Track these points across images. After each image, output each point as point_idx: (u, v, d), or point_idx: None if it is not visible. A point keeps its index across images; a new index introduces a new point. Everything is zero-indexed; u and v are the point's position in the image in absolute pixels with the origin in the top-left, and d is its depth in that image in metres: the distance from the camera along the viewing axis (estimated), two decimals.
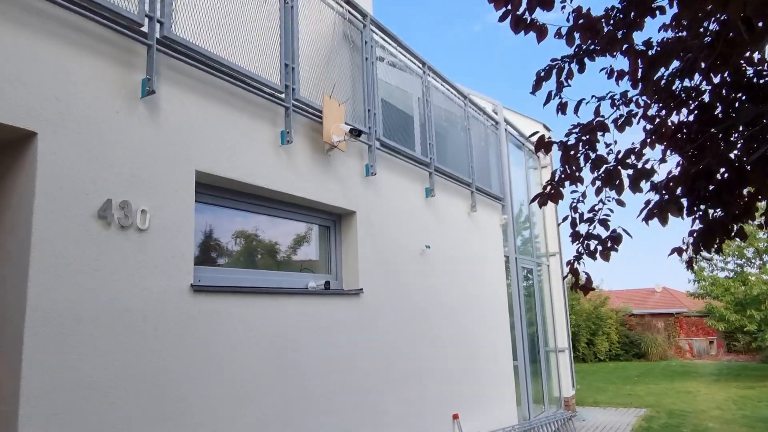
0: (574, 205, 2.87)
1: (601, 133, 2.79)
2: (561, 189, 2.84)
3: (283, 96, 4.50)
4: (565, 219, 2.93)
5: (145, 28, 3.44)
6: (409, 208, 6.18)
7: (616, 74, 2.84)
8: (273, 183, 4.31)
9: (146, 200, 3.34)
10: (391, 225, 5.79)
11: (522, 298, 9.02)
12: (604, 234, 2.82)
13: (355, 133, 4.76)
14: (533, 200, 2.99)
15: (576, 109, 2.86)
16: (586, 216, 2.84)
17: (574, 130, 2.82)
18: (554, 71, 2.77)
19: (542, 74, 2.78)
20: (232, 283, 4.03)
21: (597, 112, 2.82)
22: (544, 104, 2.79)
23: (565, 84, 2.77)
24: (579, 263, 2.90)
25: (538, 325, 10.21)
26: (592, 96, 2.82)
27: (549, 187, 2.90)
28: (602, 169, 2.80)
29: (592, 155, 2.80)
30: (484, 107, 8.75)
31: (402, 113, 6.53)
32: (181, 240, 3.52)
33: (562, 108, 2.83)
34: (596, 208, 2.84)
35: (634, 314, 26.07)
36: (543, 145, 2.86)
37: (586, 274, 2.89)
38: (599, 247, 2.86)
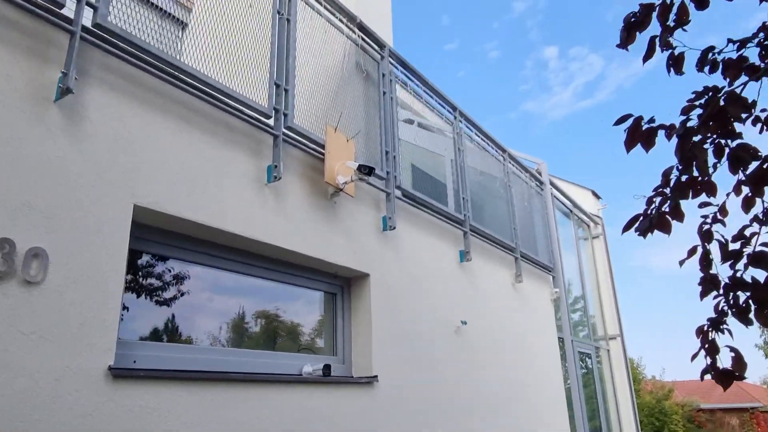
0: (706, 229, 1.65)
1: (746, 112, 1.60)
2: (679, 203, 1.63)
3: (271, 122, 3.49)
4: (691, 254, 1.69)
5: (70, 12, 2.52)
6: (439, 273, 4.95)
7: None
8: (254, 230, 3.22)
9: (45, 240, 2.26)
10: (415, 294, 4.55)
11: (581, 389, 7.40)
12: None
13: (365, 170, 3.68)
14: (628, 227, 1.78)
15: (702, 64, 1.69)
16: (730, 247, 1.61)
17: (697, 103, 1.64)
18: (656, 11, 1.65)
19: (634, 18, 1.66)
20: (183, 366, 2.83)
21: (735, 68, 1.64)
22: (645, 58, 1.67)
23: (671, 31, 1.63)
24: (718, 331, 1.62)
25: (601, 420, 8.45)
26: (728, 41, 1.66)
27: (658, 203, 1.68)
28: (752, 168, 1.59)
29: (732, 143, 1.61)
30: (526, 166, 7.62)
31: (431, 157, 5.47)
32: (99, 300, 2.41)
33: (674, 63, 1.69)
34: (746, 233, 1.60)
35: (702, 409, 23.08)
36: (641, 136, 1.69)
37: (734, 351, 1.61)
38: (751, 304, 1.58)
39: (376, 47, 4.77)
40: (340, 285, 4.16)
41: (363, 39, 4.62)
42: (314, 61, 4.03)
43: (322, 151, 3.85)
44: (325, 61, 4.15)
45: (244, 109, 3.34)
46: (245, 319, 3.49)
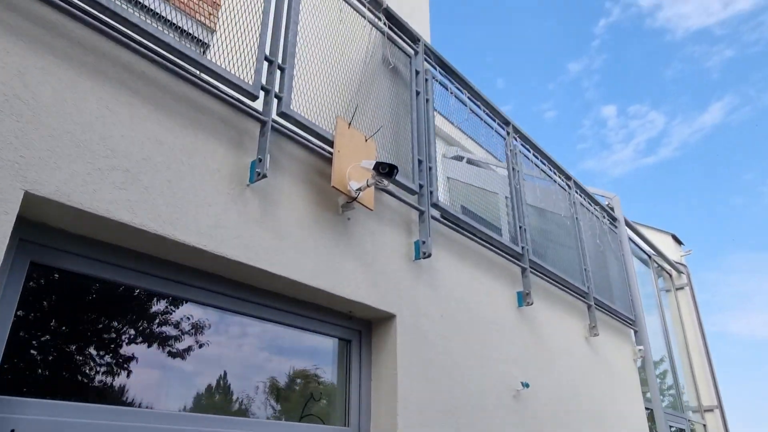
0: None
1: None
2: None
3: (260, 106, 2.63)
4: None
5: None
6: (491, 319, 3.83)
7: None
8: (226, 245, 2.33)
9: None
10: (459, 344, 3.46)
11: None
12: None
13: (384, 170, 2.71)
14: None
15: None
16: None
17: None
18: None
19: None
20: None
21: None
22: None
23: None
24: None
25: None
26: None
27: None
28: None
29: None
30: (596, 198, 6.45)
31: (482, 196, 4.46)
32: None
33: None
34: None
35: None
36: None
37: None
38: None
39: (408, 40, 3.92)
40: (357, 329, 3.13)
41: (391, 29, 3.77)
42: (328, 45, 3.19)
43: (329, 150, 2.94)
44: (343, 48, 3.30)
45: (219, 84, 2.50)
46: (215, 370, 2.51)
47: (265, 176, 2.50)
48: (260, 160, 2.51)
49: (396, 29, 3.83)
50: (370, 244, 3.11)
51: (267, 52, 2.74)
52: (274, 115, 2.67)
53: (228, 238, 2.37)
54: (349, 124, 3.07)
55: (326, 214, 2.90)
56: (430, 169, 3.64)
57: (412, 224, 3.50)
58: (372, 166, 2.76)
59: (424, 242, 3.37)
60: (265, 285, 2.64)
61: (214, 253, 2.30)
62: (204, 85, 2.45)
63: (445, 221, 3.70)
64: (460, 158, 6.90)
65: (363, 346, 3.13)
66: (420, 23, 5.41)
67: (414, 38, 3.97)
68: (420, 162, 3.60)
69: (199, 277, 2.42)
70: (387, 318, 3.14)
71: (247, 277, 2.55)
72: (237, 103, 2.58)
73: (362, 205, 2.97)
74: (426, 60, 4.08)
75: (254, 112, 2.62)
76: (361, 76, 3.48)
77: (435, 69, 4.13)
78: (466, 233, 3.90)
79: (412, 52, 3.94)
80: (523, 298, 4.24)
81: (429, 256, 3.33)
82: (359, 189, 2.88)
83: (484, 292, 3.91)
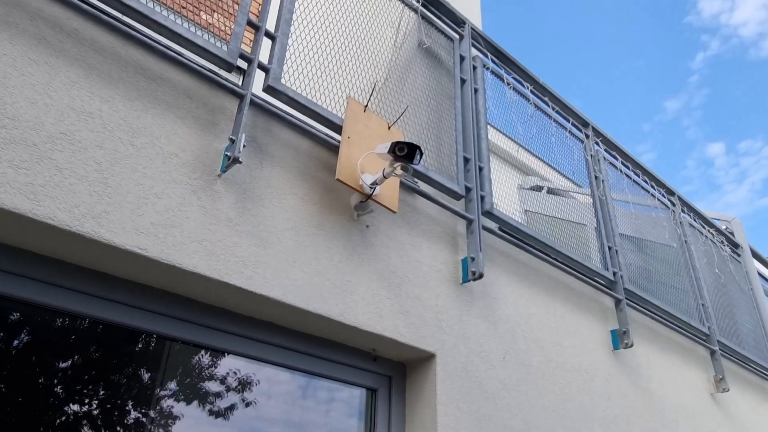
0: None
1: None
2: None
3: (239, 80, 2.09)
4: None
5: None
6: (575, 365, 2.95)
7: None
8: (187, 255, 1.79)
9: None
10: (529, 397, 2.62)
11: None
12: None
13: (402, 151, 2.04)
14: None
15: None
16: None
17: None
18: None
19: None
20: None
21: None
22: None
23: None
24: None
25: None
26: None
27: None
28: None
29: None
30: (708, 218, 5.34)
31: (571, 229, 3.65)
32: None
33: None
34: None
35: None
36: None
37: None
38: None
39: (450, 23, 3.30)
40: (385, 374, 2.38)
41: (427, 7, 3.18)
42: (347, 22, 2.64)
43: (334, 139, 2.32)
44: (368, 27, 2.74)
45: (185, 52, 1.98)
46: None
47: (237, 161, 1.90)
48: (232, 142, 1.92)
49: (432, 8, 3.23)
50: (399, 261, 2.40)
51: (253, 18, 2.20)
52: (255, 90, 2.09)
53: (183, 241, 1.77)
54: (366, 106, 2.43)
55: (334, 219, 2.24)
56: (481, 169, 2.91)
57: (458, 238, 2.76)
58: (387, 149, 2.09)
59: (473, 259, 2.61)
60: (243, 307, 2.00)
61: (160, 261, 1.70)
62: (163, 49, 1.94)
63: (502, 233, 2.92)
64: (539, 188, 6.08)
65: (393, 396, 2.36)
66: (468, 7, 4.78)
67: (458, 21, 3.35)
68: (467, 160, 2.88)
69: (138, 294, 1.82)
70: (424, 359, 2.38)
71: (213, 295, 1.91)
72: (208, 72, 2.03)
73: (382, 205, 2.29)
74: (475, 46, 3.42)
75: (229, 84, 2.06)
76: (391, 61, 2.88)
77: (486, 57, 3.46)
78: (535, 251, 3.08)
79: (456, 36, 3.30)
80: (619, 339, 3.29)
81: (480, 277, 2.55)
82: (374, 183, 2.21)
83: (563, 329, 3.03)
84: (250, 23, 2.21)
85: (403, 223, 2.54)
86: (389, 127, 2.53)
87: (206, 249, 1.83)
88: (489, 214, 2.84)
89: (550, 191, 5.99)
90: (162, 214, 1.78)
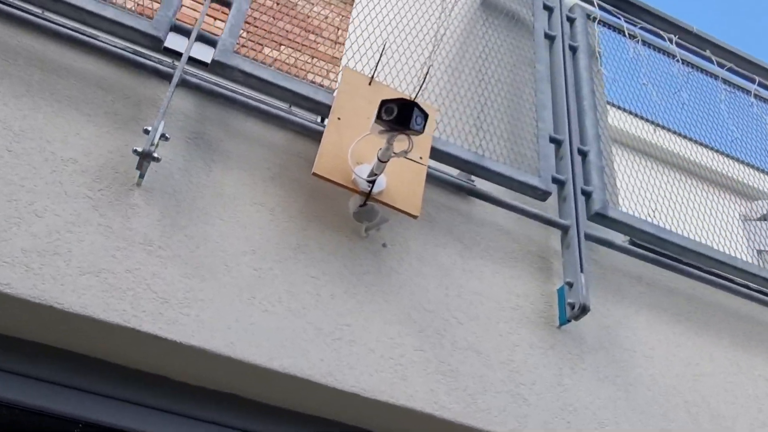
0: None
1: None
2: None
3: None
4: None
5: None
6: None
7: None
8: (65, 287, 1.55)
9: None
10: None
11: None
12: None
13: (390, 115, 1.62)
14: None
15: None
16: None
17: None
18: None
19: None
20: None
21: None
22: None
23: None
24: None
25: None
26: None
27: None
28: None
29: None
30: None
31: None
32: None
33: None
34: None
35: None
36: None
37: None
38: None
39: None
40: None
41: None
42: None
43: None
44: None
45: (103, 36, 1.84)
46: None
47: (151, 158, 1.63)
48: (147, 132, 1.65)
49: None
50: (440, 295, 1.91)
51: None
52: (186, 66, 1.84)
53: (70, 273, 1.51)
54: (372, 78, 2.06)
55: (324, 237, 1.86)
56: (584, 154, 2.32)
57: (551, 258, 2.17)
58: (383, 112, 1.68)
59: (570, 285, 1.99)
60: (166, 367, 1.64)
61: (29, 299, 1.44)
62: (69, 32, 1.80)
63: (638, 250, 2.25)
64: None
65: None
66: None
67: None
68: (557, 143, 2.32)
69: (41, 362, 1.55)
70: None
71: (116, 349, 1.59)
72: (131, 55, 1.84)
73: (392, 208, 1.83)
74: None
75: (150, 63, 1.83)
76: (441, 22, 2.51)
77: (591, 4, 2.90)
78: (704, 275, 2.33)
79: None
80: None
81: (583, 312, 1.94)
82: (374, 175, 1.78)
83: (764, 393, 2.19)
84: None
85: (450, 239, 2.05)
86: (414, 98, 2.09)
87: (105, 283, 1.54)
88: (602, 218, 2.20)
89: None
90: (40, 238, 1.53)
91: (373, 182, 1.80)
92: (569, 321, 1.97)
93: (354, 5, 2.65)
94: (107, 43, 1.83)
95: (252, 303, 1.67)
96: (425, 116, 1.64)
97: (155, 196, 1.72)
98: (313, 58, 2.59)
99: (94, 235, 1.60)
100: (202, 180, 1.80)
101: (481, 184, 2.19)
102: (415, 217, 1.85)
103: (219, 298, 1.63)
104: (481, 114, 2.29)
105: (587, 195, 2.23)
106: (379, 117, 1.64)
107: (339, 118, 1.92)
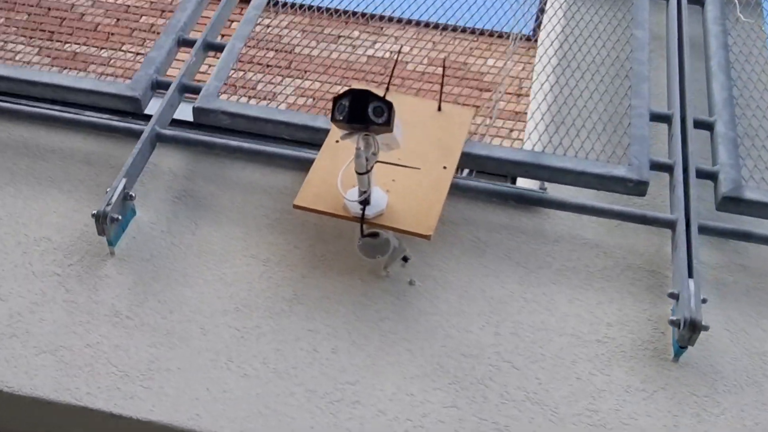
0: None
1: None
2: None
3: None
4: None
5: None
6: None
7: None
8: (14, 374, 1.72)
9: None
10: None
11: None
12: None
13: (341, 113, 1.63)
14: None
15: None
16: None
17: None
18: None
19: None
20: None
21: None
22: None
23: None
24: None
25: None
26: None
27: None
28: None
29: None
30: None
31: None
32: None
33: None
34: None
35: None
36: None
37: None
38: None
39: None
40: None
41: None
42: None
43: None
44: None
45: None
46: None
47: (111, 219, 1.77)
48: (108, 206, 1.80)
49: None
50: (491, 335, 1.75)
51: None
52: (161, 129, 2.00)
53: (26, 354, 1.67)
54: (387, 88, 2.05)
55: (329, 284, 1.85)
56: (710, 126, 2.04)
57: (666, 269, 1.88)
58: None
59: (676, 298, 1.70)
60: None
61: None
62: (53, 113, 2.09)
63: None
64: None
65: None
66: None
67: None
68: (664, 119, 2.08)
69: None
70: None
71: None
72: (108, 121, 2.07)
73: (396, 230, 1.76)
74: None
75: (123, 124, 2.03)
76: None
77: None
78: None
79: None
80: None
81: (695, 331, 1.62)
82: (365, 194, 1.74)
83: None
84: (182, 41, 2.20)
85: (507, 266, 1.88)
86: (439, 107, 2.04)
87: (61, 361, 1.65)
88: (735, 204, 1.87)
89: None
90: (1, 322, 1.71)
91: (364, 203, 1.73)
92: (684, 349, 1.64)
93: None
94: (90, 116, 2.06)
95: (228, 368, 1.65)
96: (388, 105, 1.57)
97: (130, 264, 1.83)
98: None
99: (58, 312, 1.73)
100: (186, 240, 1.88)
101: (556, 191, 2.00)
102: (426, 237, 1.73)
103: (188, 366, 1.65)
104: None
105: (711, 176, 1.91)
106: (333, 118, 1.61)
107: (337, 141, 1.91)
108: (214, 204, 1.97)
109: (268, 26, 2.37)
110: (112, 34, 2.63)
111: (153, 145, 1.99)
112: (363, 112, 1.55)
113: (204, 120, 2.02)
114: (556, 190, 2.01)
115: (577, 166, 1.91)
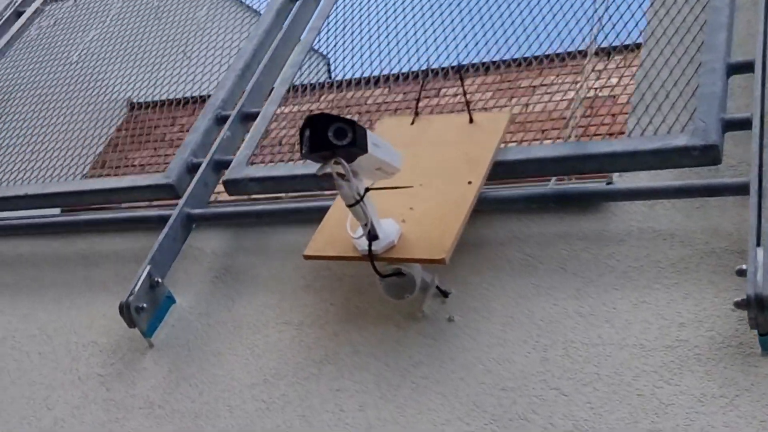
0: None
1: None
2: None
3: None
4: None
5: None
6: None
7: None
8: None
9: None
10: None
11: None
12: None
13: (305, 144, 1.81)
14: None
15: None
16: None
17: None
18: None
19: None
20: None
21: None
22: None
23: None
24: None
25: None
26: None
27: None
28: None
29: None
30: None
31: None
32: None
33: None
34: None
35: None
36: None
37: None
38: None
39: None
40: None
41: None
42: None
43: None
44: None
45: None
46: None
47: (137, 309, 2.08)
48: (131, 296, 2.10)
49: None
50: (538, 361, 1.78)
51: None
52: (192, 210, 2.30)
53: None
54: (416, 110, 2.22)
55: (367, 335, 1.96)
56: None
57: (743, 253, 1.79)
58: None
59: (742, 274, 1.64)
60: None
61: None
62: (102, 217, 2.49)
63: None
64: None
65: None
66: None
67: None
68: (744, 68, 2.03)
69: None
70: None
71: None
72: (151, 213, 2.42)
73: (410, 261, 1.87)
74: None
75: (153, 214, 2.36)
76: None
77: None
78: None
79: None
80: None
81: (764, 310, 1.55)
82: (371, 228, 1.88)
83: None
84: (220, 118, 2.50)
85: (561, 279, 1.88)
86: (471, 119, 2.14)
87: None
88: None
89: None
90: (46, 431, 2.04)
91: (371, 238, 1.84)
92: (766, 336, 1.55)
93: None
94: (133, 212, 2.41)
95: None
96: (350, 124, 1.66)
97: (167, 353, 2.08)
98: None
99: (97, 413, 2.01)
100: (222, 318, 2.10)
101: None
102: (440, 261, 1.80)
103: None
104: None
105: None
106: (301, 153, 1.75)
107: (316, 175, 2.05)
108: (252, 275, 2.17)
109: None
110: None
111: (188, 228, 2.24)
112: (323, 136, 1.66)
113: (234, 192, 2.25)
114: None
115: (628, 147, 1.89)
